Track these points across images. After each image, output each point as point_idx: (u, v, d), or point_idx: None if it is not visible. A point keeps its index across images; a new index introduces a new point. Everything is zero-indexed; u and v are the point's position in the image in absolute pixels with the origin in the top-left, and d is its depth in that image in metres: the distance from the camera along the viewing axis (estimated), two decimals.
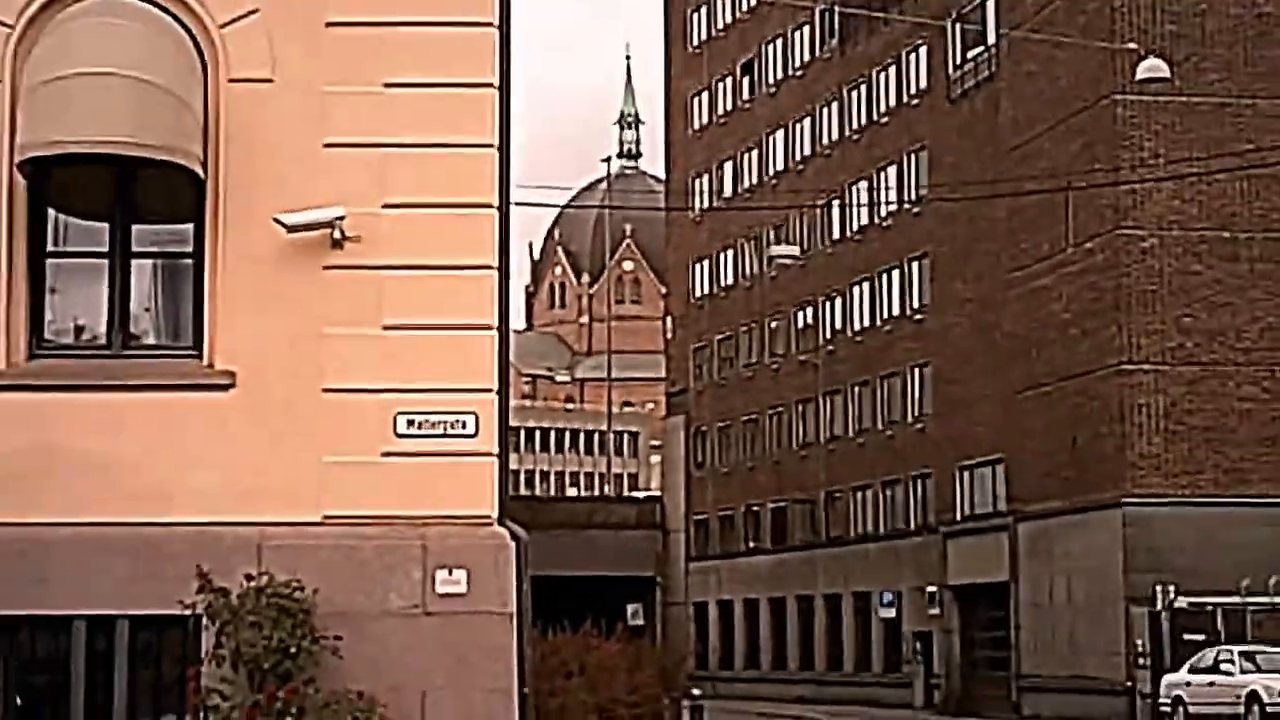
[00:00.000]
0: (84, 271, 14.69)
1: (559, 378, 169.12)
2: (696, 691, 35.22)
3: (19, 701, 14.12)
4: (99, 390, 14.22)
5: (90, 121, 13.64)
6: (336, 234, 14.26)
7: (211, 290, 14.37)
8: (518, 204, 20.71)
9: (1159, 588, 51.82)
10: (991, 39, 65.08)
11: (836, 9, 74.66)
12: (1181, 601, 51.31)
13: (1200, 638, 49.17)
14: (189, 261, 14.61)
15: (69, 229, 14.71)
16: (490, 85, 14.81)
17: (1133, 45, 52.27)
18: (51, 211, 14.57)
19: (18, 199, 14.29)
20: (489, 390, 14.62)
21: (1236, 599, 50.54)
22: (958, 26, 67.25)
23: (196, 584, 13.76)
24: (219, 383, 14.29)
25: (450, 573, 14.26)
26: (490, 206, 14.70)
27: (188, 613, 13.88)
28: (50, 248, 14.58)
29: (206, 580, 13.77)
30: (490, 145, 14.74)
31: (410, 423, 14.33)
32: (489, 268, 14.70)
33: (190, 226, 14.56)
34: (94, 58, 13.77)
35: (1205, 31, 56.43)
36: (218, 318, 14.35)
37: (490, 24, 14.88)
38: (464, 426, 14.39)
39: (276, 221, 14.13)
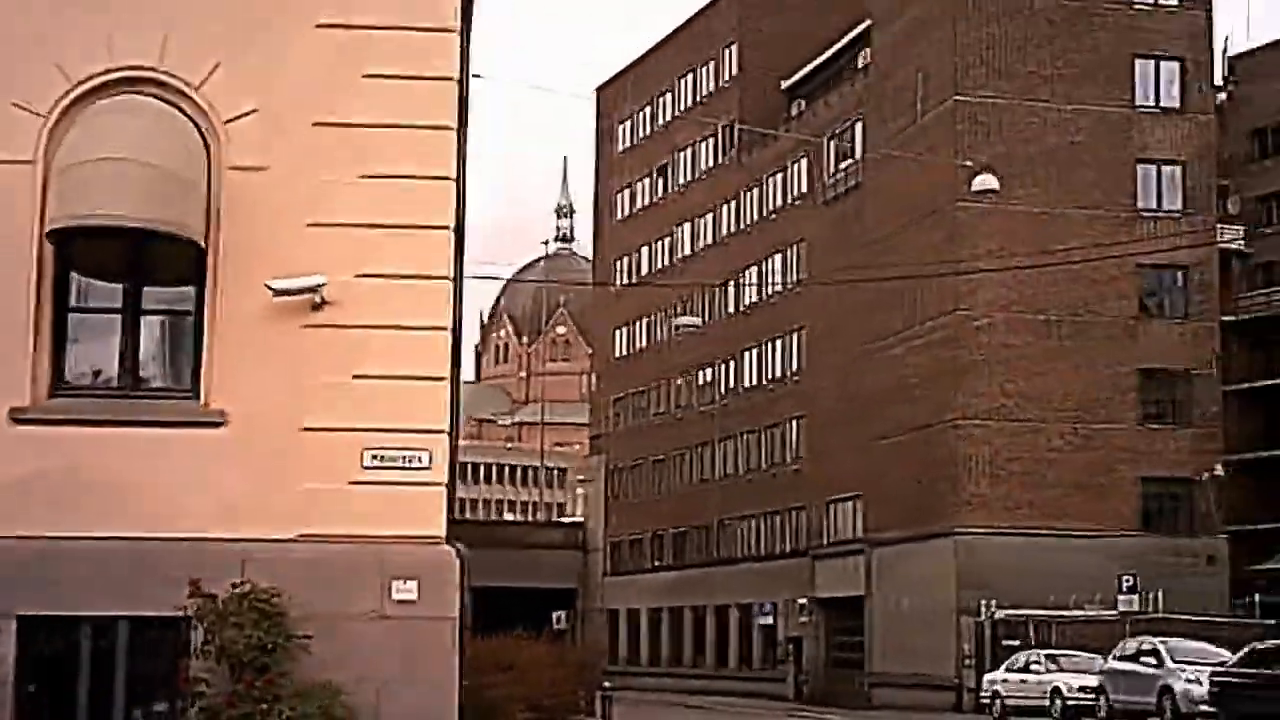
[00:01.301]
0: (100, 325, 14.39)
1: (501, 422, 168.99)
2: (609, 684, 34.77)
3: (33, 689, 13.73)
4: (110, 425, 13.92)
5: (109, 200, 13.41)
6: (317, 298, 14.09)
7: (209, 343, 14.12)
8: (470, 276, 20.46)
9: (983, 602, 52.06)
10: (859, 154, 65.28)
11: (736, 125, 74.90)
12: (1001, 614, 51.56)
13: (1015, 643, 49.39)
14: (189, 318, 14.33)
15: (89, 289, 14.41)
16: (449, 178, 14.68)
17: (970, 163, 52.57)
18: (74, 274, 14.26)
19: (46, 264, 14.01)
20: (441, 431, 14.46)
21: (1045, 612, 50.74)
22: (832, 143, 67.46)
23: (188, 590, 13.48)
24: (212, 421, 13.99)
25: (404, 583, 14.02)
26: (445, 278, 14.58)
27: (180, 614, 13.59)
28: (72, 304, 14.28)
29: (197, 587, 13.49)
30: (447, 227, 14.62)
31: (375, 457, 14.10)
32: (443, 329, 14.56)
33: (192, 289, 14.27)
34: (114, 146, 13.57)
35: (1029, 154, 56.78)
36: (213, 366, 14.09)
37: (451, 127, 14.73)
38: (419, 461, 14.20)
39: (266, 286, 13.93)
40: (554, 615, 66.51)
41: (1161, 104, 58.65)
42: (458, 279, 15.24)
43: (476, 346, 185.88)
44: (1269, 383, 71.67)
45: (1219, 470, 57.19)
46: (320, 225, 14.19)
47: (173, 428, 14.00)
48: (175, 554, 13.61)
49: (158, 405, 14.14)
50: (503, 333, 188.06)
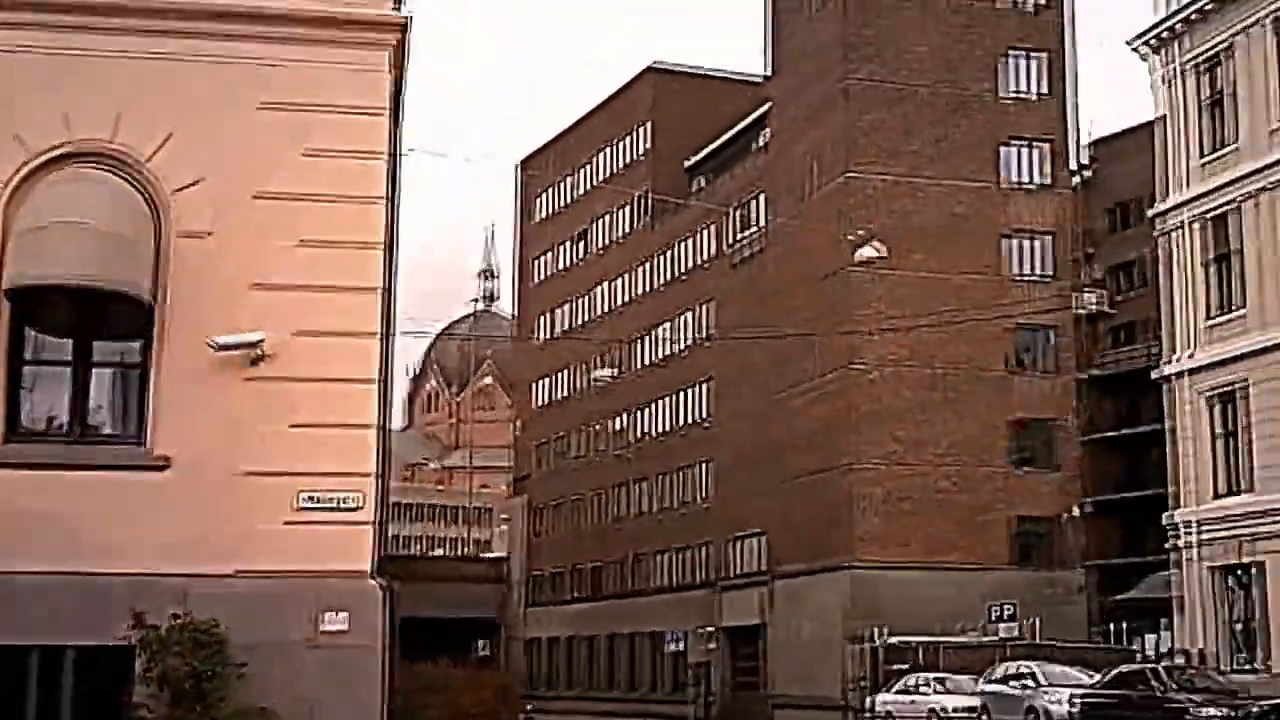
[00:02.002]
0: (53, 376, 14.21)
1: (431, 466, 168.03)
2: (530, 706, 34.59)
3: None
4: (61, 469, 13.76)
5: (64, 261, 13.30)
6: (256, 353, 14.00)
7: (154, 393, 13.99)
8: (402, 332, 20.41)
9: (874, 630, 52.01)
10: (761, 223, 65.60)
11: (649, 196, 75.15)
12: (890, 640, 51.55)
13: (903, 667, 49.40)
14: (137, 371, 14.20)
15: (43, 343, 14.25)
16: (378, 245, 14.64)
17: (861, 232, 52.89)
18: (30, 329, 14.11)
19: (2, 319, 13.84)
20: (369, 475, 14.36)
21: (930, 639, 50.81)
22: (736, 213, 67.75)
23: (132, 622, 13.31)
24: (156, 465, 13.85)
25: (335, 615, 13.92)
26: (375, 335, 14.52)
27: (124, 644, 13.39)
28: (27, 357, 14.11)
29: (140, 619, 13.32)
30: (377, 289, 14.57)
31: (309, 499, 14.01)
32: (373, 381, 14.48)
33: (139, 343, 14.15)
34: (69, 212, 13.48)
35: (912, 225, 57.21)
36: (158, 415, 13.96)
37: (381, 199, 14.72)
38: (349, 502, 14.11)
39: (209, 342, 13.81)
40: (478, 643, 66.23)
41: (1029, 182, 59.38)
42: (388, 335, 15.15)
43: (407, 397, 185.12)
44: (1127, 431, 72.45)
45: (1081, 510, 57.81)
46: (260, 286, 14.13)
47: (119, 471, 13.83)
48: (120, 588, 13.42)
49: (105, 451, 13.98)
50: (432, 384, 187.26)
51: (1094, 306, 70.96)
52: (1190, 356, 37.57)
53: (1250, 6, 36.21)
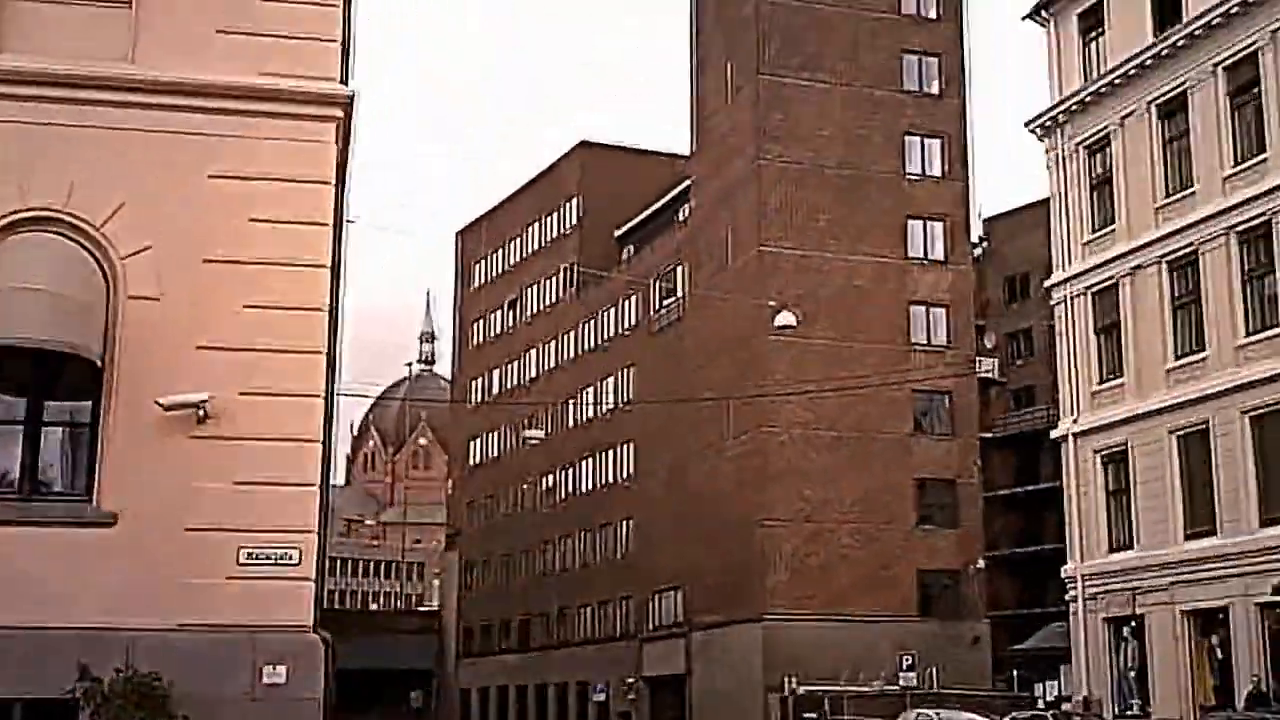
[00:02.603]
0: (6, 434, 13.77)
1: (368, 522, 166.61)
2: None
3: None
4: (10, 525, 13.27)
5: (17, 324, 12.90)
6: (202, 412, 13.62)
7: (102, 452, 13.58)
8: (343, 394, 20.10)
9: (786, 679, 51.84)
10: (680, 293, 65.69)
11: (577, 267, 75.17)
12: (802, 689, 51.38)
13: (814, 716, 49.31)
14: (86, 429, 13.78)
15: None
16: (321, 309, 14.35)
17: (773, 302, 53.05)
18: None
19: None
20: (310, 531, 13.97)
21: (839, 687, 50.70)
22: (658, 283, 67.83)
23: (77, 675, 12.82)
24: (104, 521, 13.41)
25: (274, 668, 13.47)
26: (317, 395, 14.20)
27: (69, 697, 12.87)
28: None
29: (85, 672, 12.82)
30: (320, 351, 14.26)
31: (250, 555, 13.57)
32: (314, 441, 14.14)
33: (89, 403, 13.74)
34: (23, 276, 13.13)
35: (821, 296, 57.51)
36: (106, 472, 13.54)
37: (324, 265, 14.47)
38: (290, 558, 13.71)
39: (156, 402, 13.45)
40: (412, 694, 65.35)
41: (930, 256, 59.86)
42: (329, 396, 14.81)
43: (347, 455, 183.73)
44: (1022, 490, 72.95)
45: (981, 565, 57.98)
46: (206, 348, 13.80)
47: (67, 527, 13.39)
48: (67, 641, 12.95)
49: (54, 507, 13.54)
50: (372, 443, 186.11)
51: (990, 373, 71.58)
52: (1080, 420, 37.84)
53: (1132, 95, 36.76)
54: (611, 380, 71.72)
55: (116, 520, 13.41)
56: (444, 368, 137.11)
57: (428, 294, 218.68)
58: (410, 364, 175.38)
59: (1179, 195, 35.23)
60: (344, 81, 15.18)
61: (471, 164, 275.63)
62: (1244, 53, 33.45)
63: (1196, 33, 34.58)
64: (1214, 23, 34.04)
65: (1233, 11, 33.51)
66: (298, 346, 14.13)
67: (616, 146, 78.28)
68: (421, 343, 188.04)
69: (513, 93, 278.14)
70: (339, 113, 14.79)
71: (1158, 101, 36.09)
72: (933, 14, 61.59)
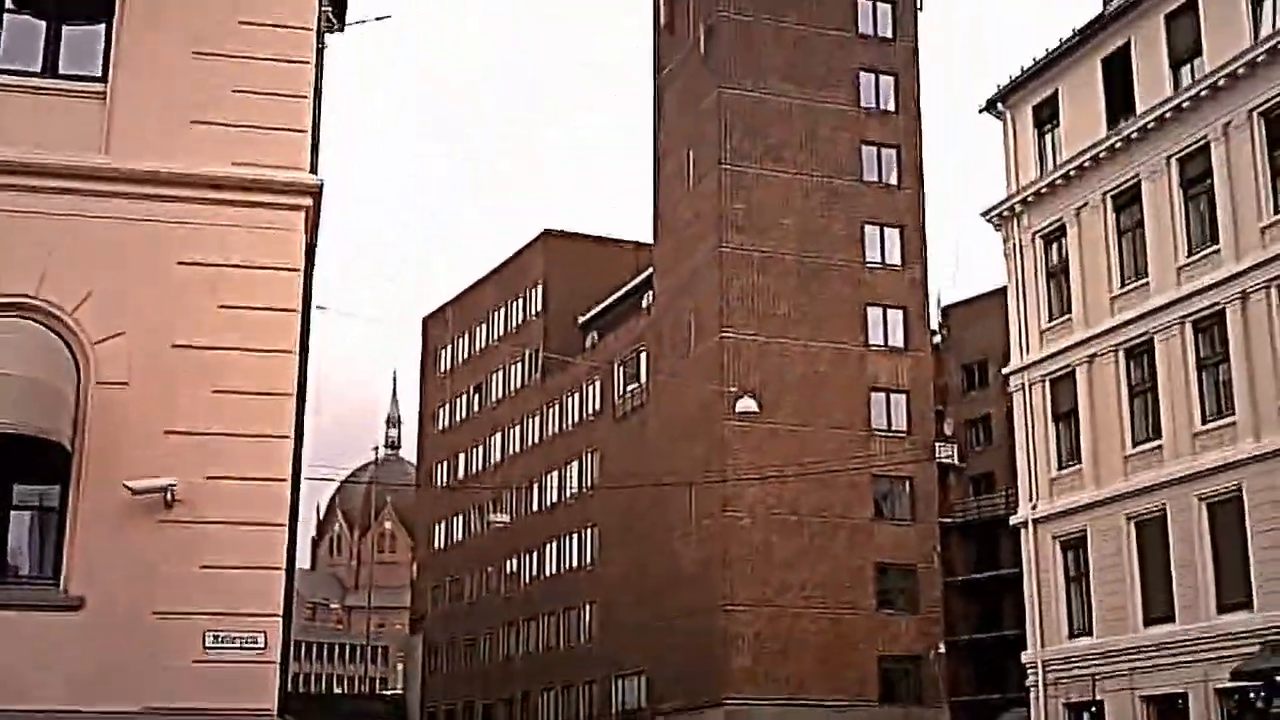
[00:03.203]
0: None
1: (333, 605, 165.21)
2: None
3: None
4: None
5: None
6: (169, 497, 13.59)
7: (70, 536, 13.51)
8: (309, 478, 20.09)
9: None
10: (644, 379, 65.86)
11: (540, 353, 75.32)
12: None
13: None
14: (54, 513, 13.72)
15: None
16: (289, 394, 14.39)
17: (734, 388, 53.29)
18: None
19: None
20: (275, 616, 13.89)
21: None
22: (621, 369, 68.01)
23: None
24: (71, 605, 13.32)
25: None
26: (283, 480, 14.19)
27: None
28: None
29: None
30: (286, 436, 14.26)
31: (216, 639, 13.50)
32: (281, 525, 14.11)
33: (58, 487, 13.70)
34: None
35: (782, 382, 57.80)
36: (74, 556, 13.47)
37: (291, 351, 14.51)
38: (255, 642, 13.62)
39: (125, 486, 13.44)
40: None
41: (889, 343, 60.30)
42: (295, 480, 14.84)
43: (313, 538, 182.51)
44: (982, 575, 72.97)
45: (941, 649, 57.90)
46: (175, 433, 13.81)
47: (34, 611, 13.30)
48: None
49: (21, 591, 13.45)
50: (337, 527, 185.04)
51: (949, 459, 71.82)
52: (1039, 506, 37.97)
53: (1087, 186, 37.26)
54: (575, 465, 71.71)
55: (83, 604, 13.33)
56: (410, 451, 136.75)
57: (394, 378, 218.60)
58: (376, 447, 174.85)
59: (1134, 284, 35.61)
60: (313, 170, 15.33)
61: (439, 250, 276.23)
62: (1196, 145, 33.96)
63: (1149, 126, 35.12)
64: (1166, 116, 34.57)
65: (1184, 106, 34.07)
66: (264, 432, 14.14)
67: (580, 235, 78.84)
68: (387, 426, 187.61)
69: (479, 179, 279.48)
70: (308, 201, 14.90)
71: (1112, 193, 36.57)
72: (891, 106, 62.44)
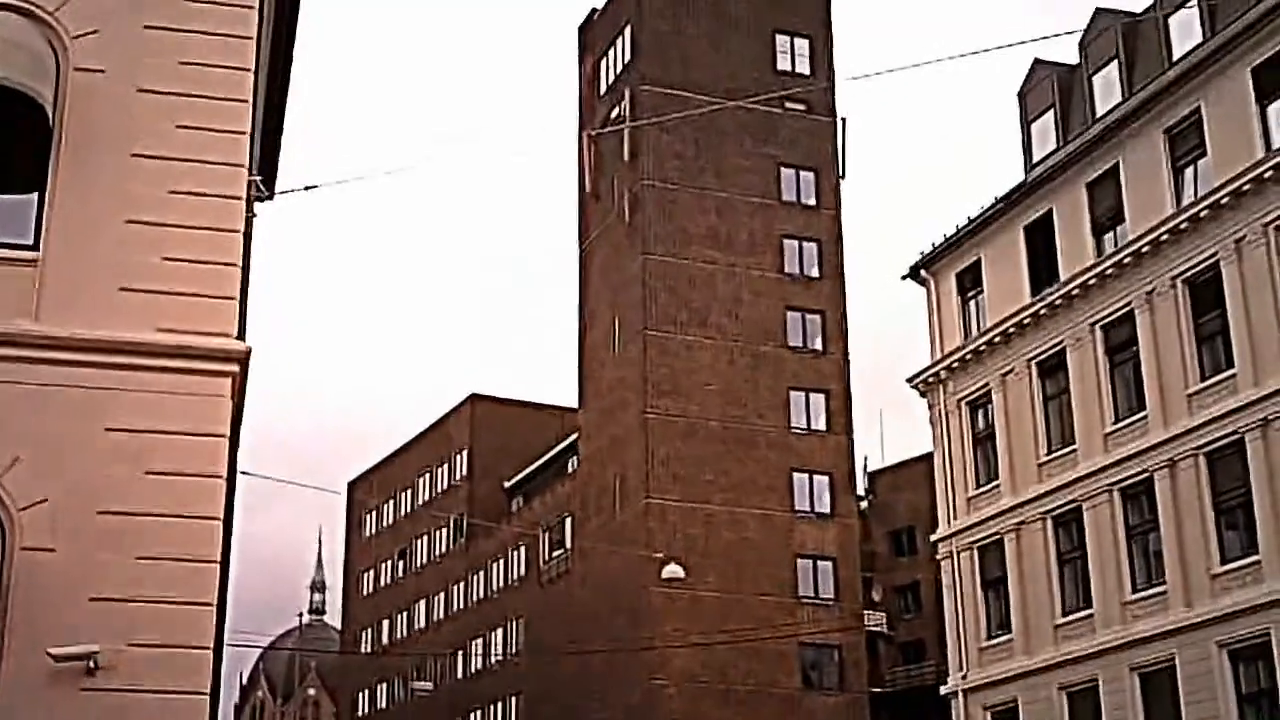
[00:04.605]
0: None
1: None
2: None
3: None
4: None
5: None
6: (92, 664, 13.40)
7: None
8: (231, 644, 19.94)
9: None
10: (569, 545, 65.69)
11: (466, 518, 75.07)
12: None
13: None
14: None
15: None
16: (214, 560, 14.32)
17: (660, 554, 53.26)
18: None
19: None
20: None
21: None
22: (546, 534, 67.82)
23: None
24: None
25: None
26: (207, 648, 14.06)
27: None
28: None
29: None
30: (210, 604, 14.14)
31: None
32: (204, 693, 13.91)
33: None
34: None
35: (708, 548, 57.83)
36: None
37: (216, 519, 14.48)
38: None
39: (47, 653, 13.26)
40: None
41: (816, 509, 60.57)
42: (219, 646, 14.76)
43: (236, 704, 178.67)
44: None
45: None
46: (99, 600, 13.67)
47: None
48: None
49: None
50: (260, 693, 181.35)
51: (878, 627, 71.77)
52: (969, 676, 37.88)
53: (1012, 353, 37.74)
54: (500, 631, 71.09)
55: None
56: (335, 617, 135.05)
57: (319, 543, 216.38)
58: (301, 613, 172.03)
59: (1061, 451, 35.90)
60: (241, 336, 15.47)
61: (366, 413, 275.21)
62: (1120, 312, 34.49)
63: (1073, 293, 35.63)
64: (1089, 283, 35.10)
65: (1107, 272, 34.59)
66: (188, 598, 14.01)
67: (506, 400, 79.07)
68: (312, 592, 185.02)
69: (407, 344, 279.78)
70: (235, 368, 14.99)
71: (1037, 359, 37.03)
72: (815, 273, 63.47)
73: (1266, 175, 30.56)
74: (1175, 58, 34.15)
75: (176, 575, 14.01)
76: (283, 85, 19.61)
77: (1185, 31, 34.26)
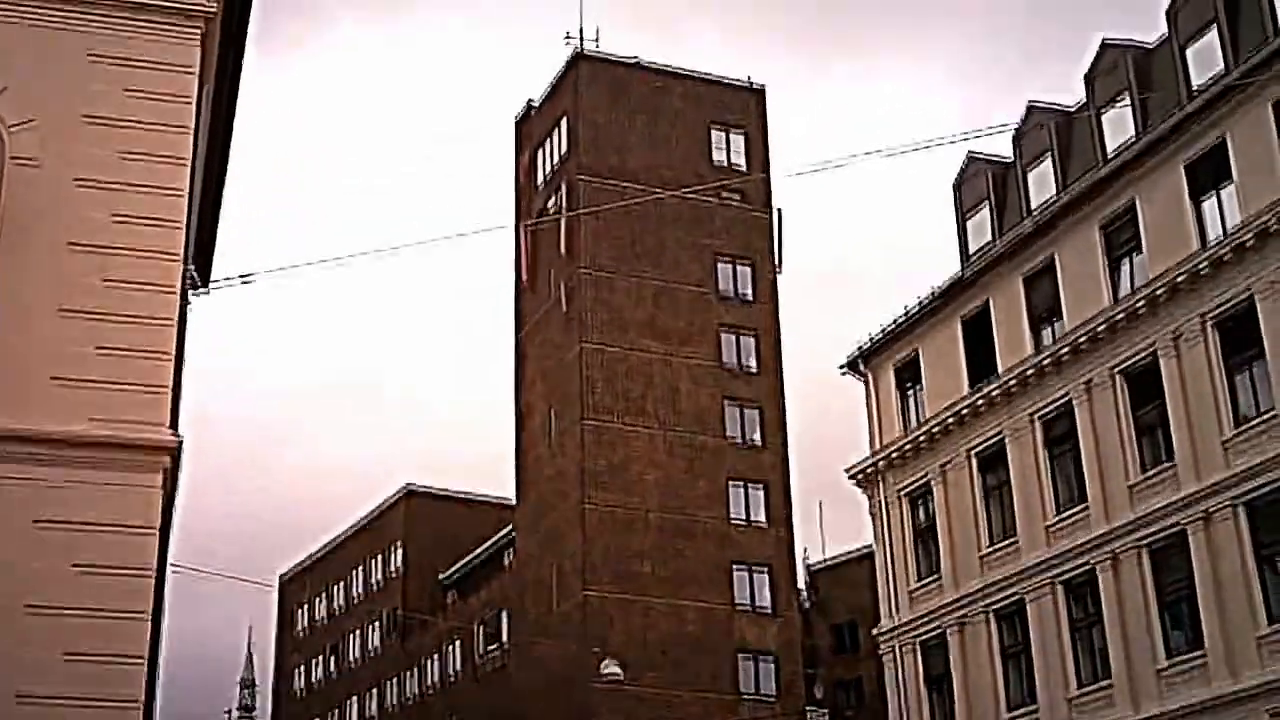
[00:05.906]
0: None
1: None
2: None
3: None
4: None
5: None
6: None
7: None
8: None
9: None
10: (505, 639, 65.07)
11: (399, 612, 74.34)
12: None
13: None
14: None
15: None
16: (140, 659, 14.12)
17: (598, 650, 52.83)
18: None
19: None
20: None
21: None
22: (482, 629, 67.19)
23: None
24: None
25: None
26: None
27: None
28: None
29: None
30: (137, 704, 13.97)
31: None
32: None
33: None
34: None
35: (647, 642, 57.37)
36: None
37: (145, 614, 14.29)
38: None
39: None
40: None
41: (756, 604, 60.25)
42: None
43: None
44: None
45: None
46: (24, 700, 13.38)
47: None
48: None
49: None
50: None
51: None
52: None
53: (951, 445, 37.85)
54: None
55: None
56: (265, 715, 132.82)
57: (249, 639, 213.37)
58: (229, 710, 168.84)
59: (1003, 544, 35.86)
60: (173, 427, 15.34)
61: (299, 507, 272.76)
62: (1059, 405, 34.68)
63: (1011, 386, 35.82)
64: (1028, 376, 35.31)
65: (1045, 366, 34.83)
66: (115, 697, 13.82)
67: (441, 493, 78.54)
68: (241, 689, 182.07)
69: (340, 436, 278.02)
70: (166, 460, 14.87)
71: (977, 451, 37.10)
72: (753, 365, 63.55)
73: (1202, 270, 30.97)
74: (1109, 153, 34.68)
75: (103, 673, 13.80)
76: (219, 174, 19.57)
77: (1118, 127, 34.81)
